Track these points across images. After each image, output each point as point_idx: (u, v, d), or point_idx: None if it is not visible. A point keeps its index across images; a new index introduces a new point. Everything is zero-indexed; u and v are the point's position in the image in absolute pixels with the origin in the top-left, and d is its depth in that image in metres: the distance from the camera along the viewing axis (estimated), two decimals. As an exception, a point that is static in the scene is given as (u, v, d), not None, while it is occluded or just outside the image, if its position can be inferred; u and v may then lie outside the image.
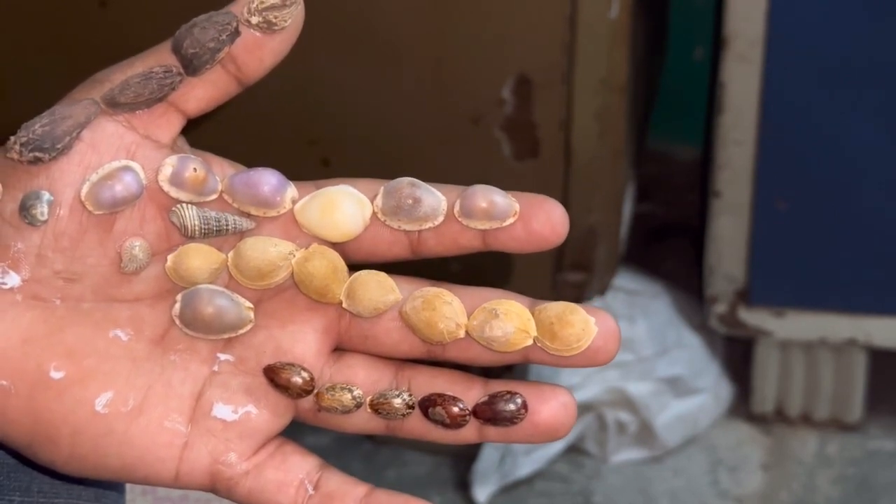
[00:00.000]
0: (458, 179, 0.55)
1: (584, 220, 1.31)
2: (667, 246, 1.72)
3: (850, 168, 1.39)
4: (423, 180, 0.53)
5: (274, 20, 0.51)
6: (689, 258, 1.65)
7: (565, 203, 1.40)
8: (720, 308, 1.49)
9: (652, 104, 1.67)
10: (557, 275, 1.37)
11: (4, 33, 1.27)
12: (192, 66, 0.52)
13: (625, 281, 1.56)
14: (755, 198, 1.42)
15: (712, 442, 1.53)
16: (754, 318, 1.48)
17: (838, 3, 1.32)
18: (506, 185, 0.54)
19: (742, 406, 1.56)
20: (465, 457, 1.49)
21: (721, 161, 1.41)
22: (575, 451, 1.51)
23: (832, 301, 1.46)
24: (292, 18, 0.52)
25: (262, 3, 0.51)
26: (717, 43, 1.42)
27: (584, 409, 1.49)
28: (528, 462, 1.48)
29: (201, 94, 0.52)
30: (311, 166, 1.29)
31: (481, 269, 1.30)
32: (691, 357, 1.54)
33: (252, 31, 0.52)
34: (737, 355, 1.57)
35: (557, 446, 1.49)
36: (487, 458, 1.47)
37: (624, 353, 1.51)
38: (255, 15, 0.51)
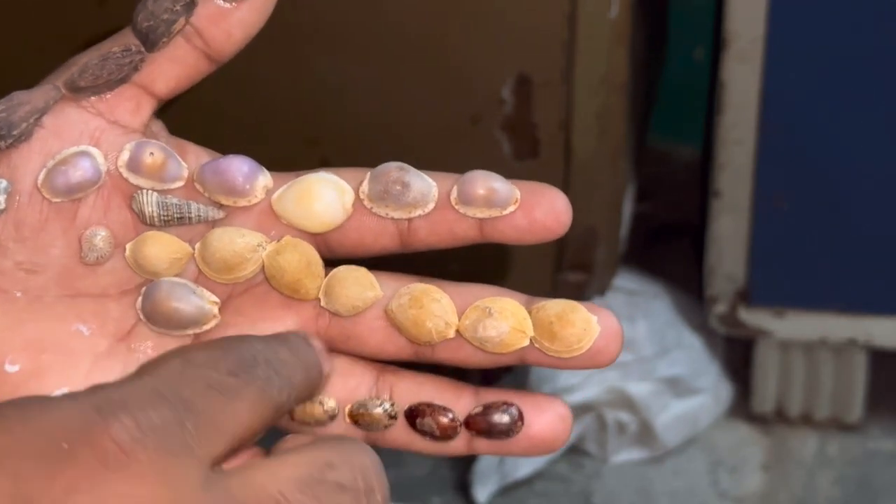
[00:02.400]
0: (457, 180, 0.54)
1: (584, 220, 1.31)
2: (667, 246, 1.72)
3: (851, 168, 1.39)
4: (421, 173, 0.50)
5: None
6: (689, 258, 1.65)
7: (565, 203, 1.39)
8: (720, 308, 1.49)
9: (652, 104, 1.67)
10: (557, 275, 1.36)
11: (2, 33, 1.27)
12: (149, 41, 0.49)
13: (625, 281, 1.56)
14: (755, 198, 1.42)
15: (712, 442, 1.53)
16: (754, 318, 1.48)
17: (838, 2, 1.32)
18: (506, 184, 0.52)
19: (742, 406, 1.56)
20: (465, 457, 1.48)
21: (721, 161, 1.41)
22: (575, 451, 1.51)
23: (832, 301, 1.46)
24: None
25: None
26: (717, 43, 1.42)
27: (584, 409, 1.49)
28: (528, 462, 1.47)
29: (169, 72, 0.50)
30: (310, 166, 1.29)
31: (478, 268, 1.29)
32: (691, 357, 1.54)
33: (214, 0, 0.49)
34: (737, 355, 1.57)
35: (557, 446, 1.49)
36: (487, 459, 1.47)
37: (624, 353, 1.50)
38: None
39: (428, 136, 1.28)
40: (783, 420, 1.55)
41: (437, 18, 1.23)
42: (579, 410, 1.49)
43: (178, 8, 0.49)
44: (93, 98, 0.50)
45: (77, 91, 0.49)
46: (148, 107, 0.50)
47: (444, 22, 1.23)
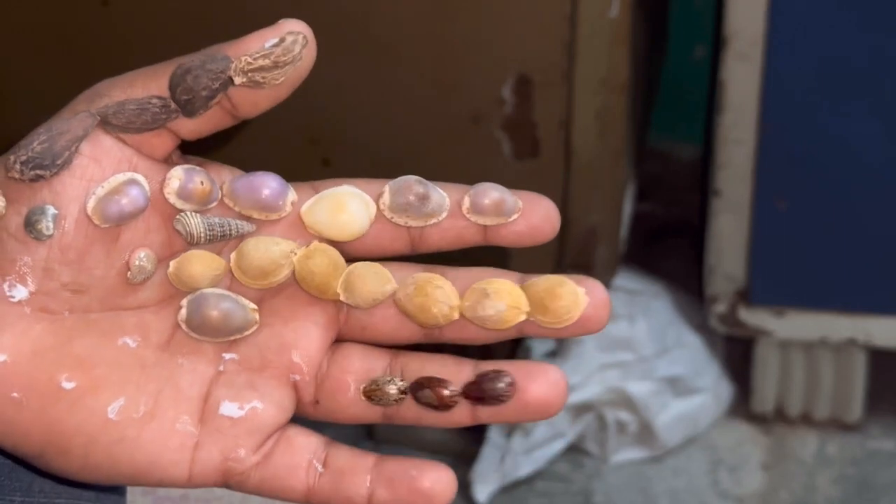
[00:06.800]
0: (458, 179, 0.55)
1: (584, 219, 1.31)
2: (667, 246, 1.72)
3: (850, 168, 1.39)
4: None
5: (262, 80, 0.52)
6: (690, 258, 1.65)
7: (565, 203, 1.40)
8: (720, 308, 1.49)
9: (652, 103, 1.67)
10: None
11: (6, 34, 1.27)
12: (185, 110, 0.52)
13: (625, 281, 1.56)
14: (755, 197, 1.42)
15: (712, 442, 1.53)
16: (754, 317, 1.48)
17: (838, 2, 1.32)
18: (506, 184, 0.55)
19: (742, 406, 1.56)
20: (466, 457, 1.49)
21: (721, 160, 1.41)
22: (575, 450, 1.51)
23: (832, 301, 1.46)
24: (286, 77, 0.52)
25: (249, 63, 0.51)
26: (717, 42, 1.42)
27: (584, 408, 1.49)
28: (529, 462, 1.48)
29: (195, 126, 0.53)
30: (311, 166, 1.29)
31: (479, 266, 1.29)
32: (691, 357, 1.54)
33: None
34: (737, 355, 1.57)
35: (558, 446, 1.49)
36: (487, 458, 1.47)
37: (624, 352, 1.51)
38: (239, 76, 0.51)
39: (428, 135, 1.28)
40: (783, 420, 1.55)
41: (438, 18, 1.23)
42: (579, 410, 1.49)
43: (216, 87, 0.52)
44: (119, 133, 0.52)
45: (108, 125, 0.52)
46: (171, 144, 0.53)
47: (444, 22, 1.23)
